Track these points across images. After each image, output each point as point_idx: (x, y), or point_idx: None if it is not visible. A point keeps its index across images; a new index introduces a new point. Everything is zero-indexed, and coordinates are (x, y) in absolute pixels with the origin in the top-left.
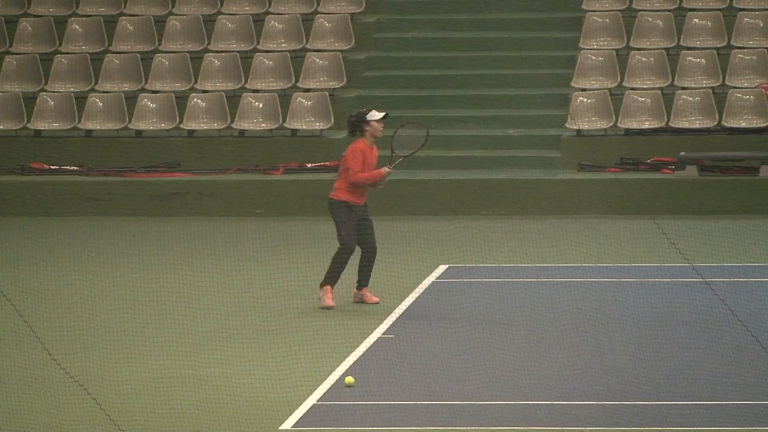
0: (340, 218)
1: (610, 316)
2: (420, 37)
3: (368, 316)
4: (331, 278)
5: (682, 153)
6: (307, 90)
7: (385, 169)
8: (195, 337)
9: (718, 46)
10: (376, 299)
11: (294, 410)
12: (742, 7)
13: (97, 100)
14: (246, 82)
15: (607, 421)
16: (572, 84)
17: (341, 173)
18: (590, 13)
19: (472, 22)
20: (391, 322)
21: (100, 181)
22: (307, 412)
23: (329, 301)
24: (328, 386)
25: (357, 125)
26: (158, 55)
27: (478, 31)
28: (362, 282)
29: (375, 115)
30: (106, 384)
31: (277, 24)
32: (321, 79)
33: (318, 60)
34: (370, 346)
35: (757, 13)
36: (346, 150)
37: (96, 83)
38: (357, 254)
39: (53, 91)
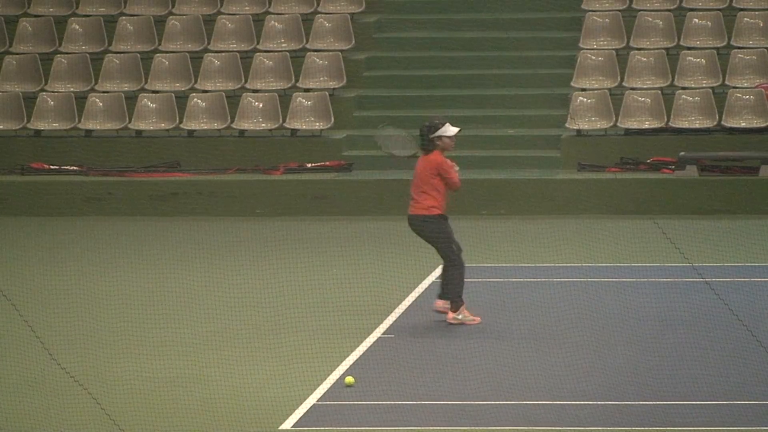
0: (443, 233)
1: (610, 316)
2: (420, 37)
3: (368, 316)
4: (458, 297)
5: (682, 153)
6: (307, 90)
7: (456, 168)
8: (195, 337)
9: (718, 46)
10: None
11: (294, 410)
12: (742, 7)
13: (97, 100)
14: (246, 82)
15: (607, 421)
16: (572, 84)
17: (425, 188)
18: (590, 13)
19: (472, 22)
20: (391, 322)
21: (100, 181)
22: (307, 412)
23: (476, 318)
24: (328, 386)
25: (429, 139)
26: (158, 55)
27: (478, 31)
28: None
29: (448, 130)
30: (106, 384)
31: (277, 24)
32: (321, 79)
33: (318, 60)
34: (370, 346)
35: (757, 13)
36: (427, 163)
37: (96, 83)
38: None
39: (53, 91)
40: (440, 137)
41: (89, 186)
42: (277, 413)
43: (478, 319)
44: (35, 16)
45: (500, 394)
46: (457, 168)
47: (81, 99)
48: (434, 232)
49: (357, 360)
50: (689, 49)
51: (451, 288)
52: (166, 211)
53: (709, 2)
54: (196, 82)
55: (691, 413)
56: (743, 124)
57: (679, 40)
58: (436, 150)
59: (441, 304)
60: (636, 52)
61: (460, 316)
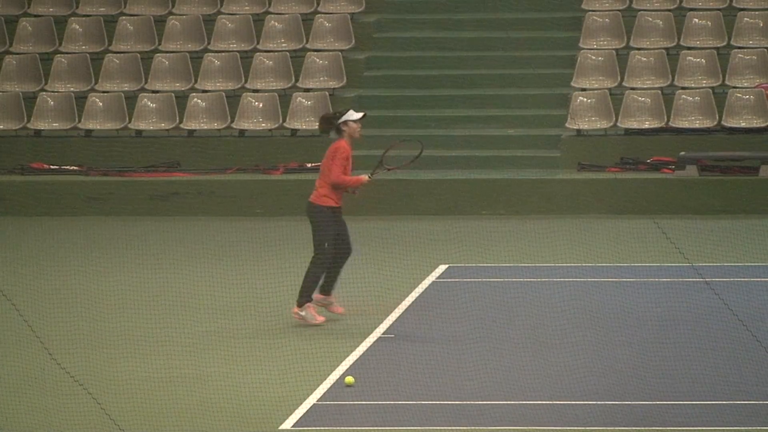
0: (325, 225)
1: (610, 316)
2: (420, 37)
3: (368, 316)
4: (308, 295)
5: (682, 153)
6: (307, 90)
7: (365, 177)
8: (195, 337)
9: (718, 46)
10: (341, 309)
11: (294, 410)
12: (742, 7)
13: (97, 100)
14: (246, 82)
15: (607, 421)
16: (572, 84)
17: (322, 176)
18: (590, 13)
19: (472, 22)
20: (391, 322)
21: (100, 181)
22: (307, 412)
23: (319, 318)
24: (328, 386)
25: (335, 125)
26: (158, 55)
27: (478, 31)
28: (328, 287)
29: (353, 114)
30: (106, 384)
31: (277, 24)
32: (321, 79)
33: (318, 60)
34: (370, 346)
35: (757, 13)
36: (329, 150)
37: (96, 83)
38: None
39: (53, 91)
40: (346, 122)
41: (89, 186)
42: (277, 413)
43: (322, 318)
44: (35, 16)
45: (500, 394)
46: (366, 178)
47: (81, 99)
48: (318, 224)
49: (357, 360)
50: (689, 49)
51: (306, 284)
52: (166, 211)
53: (709, 2)
54: (196, 82)
55: (691, 413)
56: (743, 124)
57: (679, 40)
58: (343, 138)
59: (320, 297)
60: (636, 52)
61: (303, 313)
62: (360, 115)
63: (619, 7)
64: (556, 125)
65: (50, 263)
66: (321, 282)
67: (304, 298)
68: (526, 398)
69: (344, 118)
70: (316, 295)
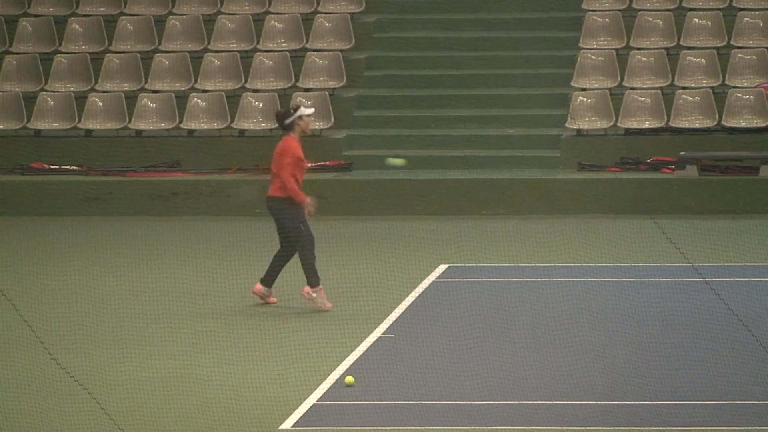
0: (291, 214)
1: (610, 316)
2: (420, 36)
3: (368, 316)
4: (315, 275)
5: (682, 153)
6: (307, 90)
7: (307, 199)
8: (195, 337)
9: (718, 45)
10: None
11: (294, 410)
12: (742, 7)
13: (97, 100)
14: (246, 81)
15: (607, 421)
16: (572, 84)
17: (281, 170)
18: (590, 12)
19: (472, 22)
20: (391, 322)
21: (100, 181)
22: (307, 412)
23: (328, 304)
24: (328, 386)
25: (289, 120)
26: (158, 54)
27: (478, 31)
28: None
29: (306, 110)
30: (106, 384)
31: (277, 24)
32: (321, 78)
33: (318, 60)
34: (370, 346)
35: (757, 13)
36: (282, 147)
37: (96, 83)
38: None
39: (53, 91)
40: (301, 117)
41: (89, 186)
42: (277, 413)
43: (330, 305)
44: (35, 16)
45: (500, 394)
46: (308, 200)
47: (81, 99)
48: (283, 212)
49: (357, 360)
50: (689, 49)
51: (308, 267)
52: (166, 211)
53: (709, 2)
54: (196, 82)
55: (691, 413)
56: (743, 124)
57: (679, 40)
58: (291, 135)
59: (260, 288)
60: (636, 52)
61: (315, 294)
62: (312, 110)
63: (619, 7)
64: (556, 125)
65: (50, 263)
66: (264, 275)
67: (313, 279)
68: (526, 398)
69: (299, 113)
70: (257, 286)
